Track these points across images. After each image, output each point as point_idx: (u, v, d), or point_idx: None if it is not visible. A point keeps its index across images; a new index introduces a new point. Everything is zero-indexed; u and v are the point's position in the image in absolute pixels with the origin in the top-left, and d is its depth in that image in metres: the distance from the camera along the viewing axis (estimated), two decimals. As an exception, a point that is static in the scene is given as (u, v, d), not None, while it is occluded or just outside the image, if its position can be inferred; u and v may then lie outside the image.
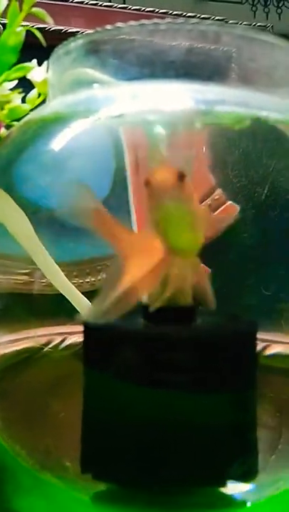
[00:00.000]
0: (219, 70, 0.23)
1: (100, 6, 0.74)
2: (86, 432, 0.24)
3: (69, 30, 0.69)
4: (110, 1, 0.91)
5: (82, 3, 0.73)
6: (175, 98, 0.23)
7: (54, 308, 0.31)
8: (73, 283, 0.31)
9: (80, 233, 0.31)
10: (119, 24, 0.23)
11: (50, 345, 0.31)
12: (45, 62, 0.30)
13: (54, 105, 0.27)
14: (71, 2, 0.73)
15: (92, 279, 0.34)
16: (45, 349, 0.31)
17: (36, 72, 0.31)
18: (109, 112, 0.25)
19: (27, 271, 0.31)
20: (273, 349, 0.31)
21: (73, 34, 0.70)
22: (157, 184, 0.21)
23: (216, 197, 0.33)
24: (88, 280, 0.34)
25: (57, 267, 0.29)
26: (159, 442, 0.23)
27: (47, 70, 0.29)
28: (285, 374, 0.31)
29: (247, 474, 0.24)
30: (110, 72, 0.24)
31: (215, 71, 0.23)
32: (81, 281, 0.34)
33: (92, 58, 0.24)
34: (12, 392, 0.29)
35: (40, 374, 0.31)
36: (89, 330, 0.25)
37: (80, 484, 0.25)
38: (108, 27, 0.23)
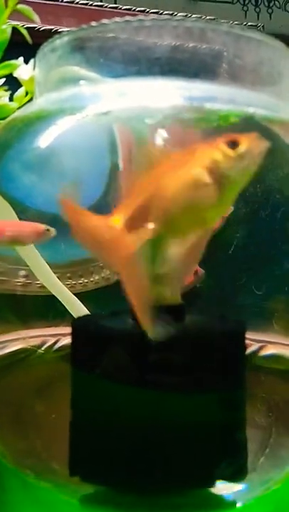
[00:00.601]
0: (205, 67, 0.23)
1: (91, 5, 0.74)
2: (74, 434, 0.24)
3: (60, 30, 0.68)
4: (101, 1, 0.91)
5: (72, 2, 0.73)
6: (161, 95, 0.23)
7: (47, 309, 0.31)
8: (66, 284, 0.31)
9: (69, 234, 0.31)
10: (104, 21, 0.23)
11: (43, 348, 0.31)
12: (32, 60, 0.30)
13: (40, 102, 0.27)
14: (62, 2, 0.73)
15: (85, 281, 0.34)
16: (39, 351, 0.31)
17: (23, 70, 0.30)
18: (96, 109, 0.25)
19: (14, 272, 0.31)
20: (269, 350, 0.31)
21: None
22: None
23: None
24: (81, 281, 0.34)
25: (48, 267, 0.29)
26: (147, 443, 0.23)
27: (34, 68, 0.29)
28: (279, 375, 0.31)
29: (237, 474, 0.23)
30: (96, 69, 0.24)
31: (201, 68, 0.23)
32: (74, 282, 0.33)
33: (77, 55, 0.24)
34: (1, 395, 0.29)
35: (30, 376, 0.30)
36: (77, 330, 0.25)
37: (68, 487, 0.25)
38: (93, 24, 0.23)
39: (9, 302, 0.31)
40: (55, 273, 0.29)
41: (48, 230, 0.25)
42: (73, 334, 0.25)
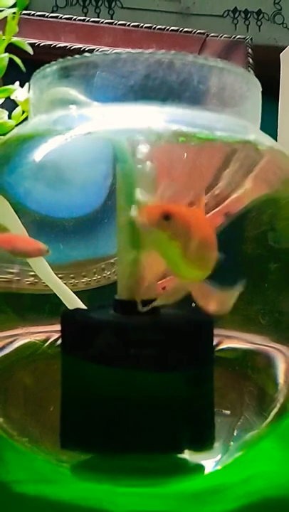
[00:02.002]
0: (173, 93, 0.26)
1: (88, 21, 0.78)
2: (64, 409, 0.27)
3: (58, 45, 0.72)
4: (98, 17, 0.95)
5: (71, 19, 0.77)
6: (136, 118, 0.27)
7: (51, 307, 0.34)
8: (69, 283, 0.34)
9: (65, 235, 0.34)
10: (86, 54, 0.27)
11: (47, 343, 0.34)
12: (27, 84, 0.34)
13: (34, 122, 0.31)
14: (61, 18, 0.77)
15: (88, 280, 0.37)
16: (43, 346, 0.34)
17: (19, 92, 0.34)
18: (80, 130, 0.29)
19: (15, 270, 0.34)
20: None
21: (63, 48, 0.73)
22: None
23: (216, 192, 0.36)
24: (84, 280, 0.37)
25: (46, 263, 0.32)
26: (126, 416, 0.26)
27: (28, 90, 0.33)
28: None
29: (204, 444, 0.27)
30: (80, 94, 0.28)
31: (169, 94, 0.26)
32: (77, 281, 0.37)
33: (64, 81, 0.28)
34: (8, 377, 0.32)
35: (35, 364, 0.34)
36: (67, 321, 0.28)
37: (60, 456, 0.28)
38: (77, 56, 0.27)
39: (19, 300, 0.34)
40: (58, 274, 0.32)
41: (47, 250, 0.29)
42: (63, 324, 0.28)
